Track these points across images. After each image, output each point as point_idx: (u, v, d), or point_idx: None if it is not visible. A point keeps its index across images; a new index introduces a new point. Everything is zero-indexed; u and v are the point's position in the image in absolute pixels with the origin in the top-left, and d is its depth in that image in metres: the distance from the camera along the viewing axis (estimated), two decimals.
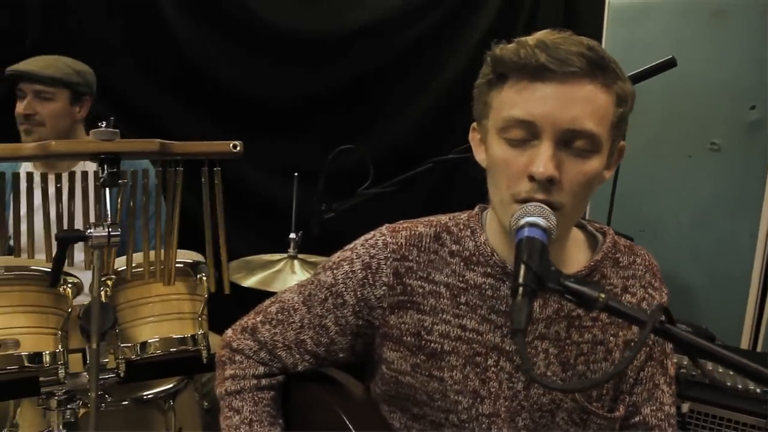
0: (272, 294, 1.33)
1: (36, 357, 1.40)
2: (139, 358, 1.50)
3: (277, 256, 2.04)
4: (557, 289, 0.92)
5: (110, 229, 1.24)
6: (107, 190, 1.26)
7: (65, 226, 1.35)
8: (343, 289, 1.19)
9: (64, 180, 1.34)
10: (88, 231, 1.23)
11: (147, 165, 2.02)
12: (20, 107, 2.19)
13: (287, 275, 1.95)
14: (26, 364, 1.39)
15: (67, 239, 1.23)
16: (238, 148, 1.38)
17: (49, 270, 1.45)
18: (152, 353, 1.51)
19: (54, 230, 1.33)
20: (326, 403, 1.25)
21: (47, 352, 1.40)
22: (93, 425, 1.35)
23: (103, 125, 1.28)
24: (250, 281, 1.90)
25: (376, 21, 3.10)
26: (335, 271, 1.20)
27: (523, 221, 0.98)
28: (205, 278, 1.54)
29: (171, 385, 1.77)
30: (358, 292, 1.17)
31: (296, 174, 1.99)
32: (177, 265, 1.48)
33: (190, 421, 1.88)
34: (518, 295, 0.89)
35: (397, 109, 3.15)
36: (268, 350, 1.29)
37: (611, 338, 1.18)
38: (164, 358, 1.52)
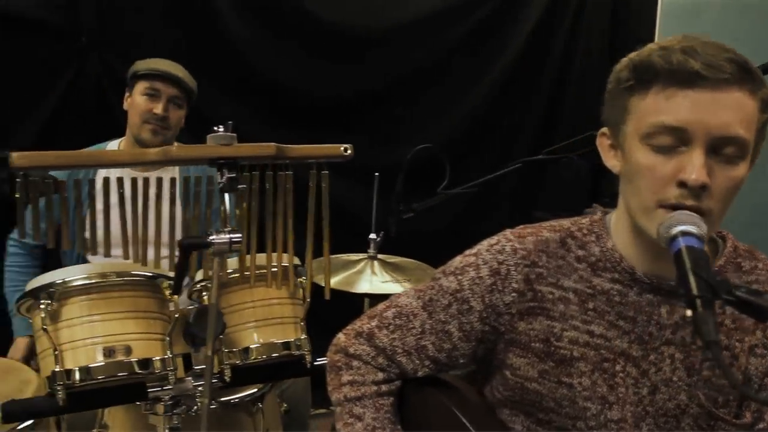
0: (351, 295, 1.32)
1: (146, 363, 1.39)
2: (243, 362, 1.49)
3: (355, 257, 2.03)
4: (730, 300, 0.91)
5: (231, 236, 1.23)
6: (226, 195, 1.25)
7: (176, 231, 1.35)
8: (470, 294, 1.18)
9: (156, 183, 1.33)
10: (211, 237, 1.22)
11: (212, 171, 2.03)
12: (158, 108, 2.19)
13: (367, 276, 1.95)
14: (137, 370, 1.38)
15: (191, 246, 1.22)
16: (349, 152, 1.37)
17: (153, 275, 1.45)
18: (255, 358, 1.51)
19: (130, 231, 1.31)
20: (443, 406, 1.24)
21: (157, 358, 1.40)
22: (204, 428, 1.35)
23: (221, 129, 1.27)
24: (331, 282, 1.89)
25: (427, 16, 3.11)
26: (460, 277, 1.19)
27: (677, 230, 0.97)
28: (304, 282, 1.54)
29: (257, 389, 1.76)
30: (486, 298, 1.17)
31: (377, 174, 1.98)
32: (275, 269, 1.47)
33: (273, 423, 1.87)
34: (698, 307, 0.88)
35: (446, 106, 3.15)
36: (386, 356, 1.28)
37: (737, 343, 1.17)
38: (268, 363, 1.52)
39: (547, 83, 3.28)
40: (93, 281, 1.39)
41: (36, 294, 1.37)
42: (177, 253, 1.24)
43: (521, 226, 1.21)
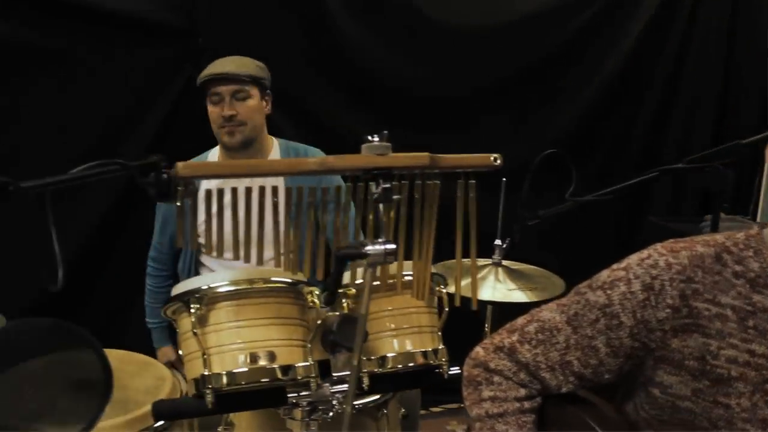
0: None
1: (288, 369, 1.39)
2: (380, 370, 1.48)
3: (480, 262, 1.99)
4: None
5: (386, 246, 1.22)
6: (380, 205, 1.23)
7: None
8: (620, 310, 1.14)
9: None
10: (366, 248, 1.21)
11: (339, 181, 2.01)
12: (221, 110, 2.20)
13: (491, 282, 1.91)
14: (279, 376, 1.38)
15: (346, 256, 1.21)
16: (498, 161, 1.33)
17: (294, 281, 1.45)
18: (392, 367, 1.49)
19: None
20: (585, 424, 1.22)
21: (299, 364, 1.40)
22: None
23: (376, 139, 1.25)
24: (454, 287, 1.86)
25: (537, 14, 3.08)
26: (609, 291, 1.15)
27: None
28: (443, 291, 1.51)
29: (382, 395, 1.76)
30: (638, 314, 1.13)
31: (504, 179, 1.94)
32: (409, 277, 1.45)
33: (394, 427, 1.87)
34: None
35: (558, 105, 3.10)
36: (529, 371, 1.25)
37: None
38: (404, 372, 1.50)
39: (660, 82, 3.18)
40: (240, 287, 1.39)
41: (185, 298, 1.39)
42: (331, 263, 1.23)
43: (671, 240, 1.17)
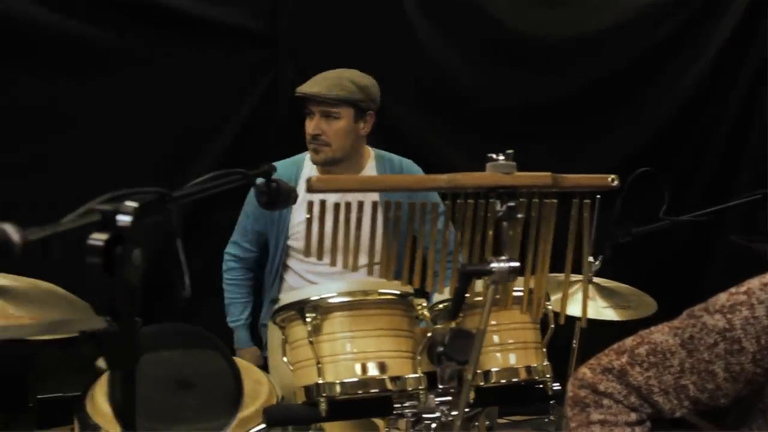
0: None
1: (398, 380, 1.41)
2: (485, 384, 1.50)
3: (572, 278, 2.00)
4: None
5: (510, 264, 1.23)
6: (504, 223, 1.25)
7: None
8: (742, 335, 1.13)
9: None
10: (491, 265, 1.23)
11: (436, 198, 2.03)
12: (309, 127, 2.24)
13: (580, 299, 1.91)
14: (389, 387, 1.40)
15: (471, 273, 1.23)
16: (615, 182, 1.34)
17: (403, 293, 1.47)
18: (496, 381, 1.51)
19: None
20: None
21: (408, 376, 1.42)
22: None
23: (501, 158, 1.26)
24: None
25: (614, 27, 3.06)
26: (729, 316, 1.14)
27: None
28: (549, 307, 1.52)
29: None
30: (762, 340, 1.11)
31: (598, 196, 1.94)
32: (518, 293, 1.46)
33: None
34: None
35: (633, 118, 3.09)
36: (640, 395, 1.24)
37: None
38: (510, 386, 1.51)
39: (737, 100, 3.15)
40: (355, 298, 1.42)
41: (299, 307, 1.41)
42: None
43: None
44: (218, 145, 2.97)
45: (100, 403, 1.64)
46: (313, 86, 2.23)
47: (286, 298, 1.47)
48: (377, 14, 2.89)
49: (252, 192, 2.45)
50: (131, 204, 0.84)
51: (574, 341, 2.01)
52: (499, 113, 3.00)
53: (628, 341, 1.30)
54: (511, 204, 1.25)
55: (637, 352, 1.25)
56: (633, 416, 1.25)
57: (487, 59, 3.00)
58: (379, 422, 1.74)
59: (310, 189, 1.18)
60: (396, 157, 2.42)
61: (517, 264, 1.24)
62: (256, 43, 2.89)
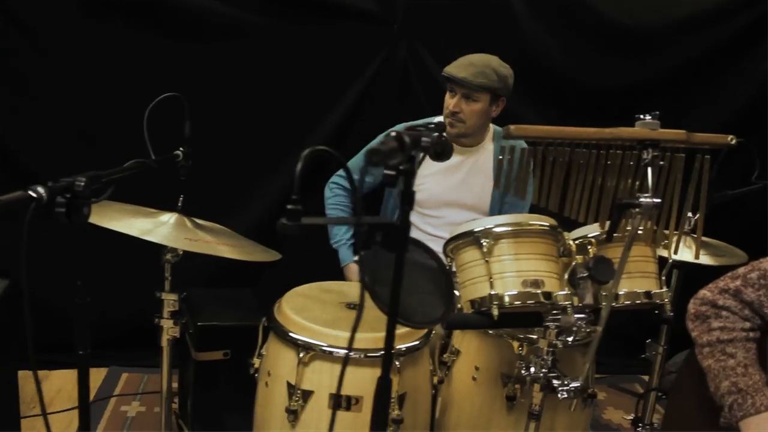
0: None
1: (550, 295, 1.77)
2: (615, 305, 1.84)
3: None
4: None
5: (654, 200, 1.59)
6: (649, 168, 1.60)
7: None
8: None
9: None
10: (641, 200, 1.59)
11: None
12: (450, 104, 2.60)
13: (681, 248, 2.25)
14: (542, 300, 1.76)
15: (625, 206, 1.59)
16: (734, 142, 1.69)
17: (554, 226, 1.83)
18: (622, 303, 1.86)
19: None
20: None
21: (559, 292, 1.77)
22: (592, 354, 1.73)
23: (647, 117, 1.62)
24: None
25: (698, 13, 3.31)
26: None
27: None
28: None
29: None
30: None
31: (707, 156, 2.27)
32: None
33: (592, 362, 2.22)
34: None
35: (712, 102, 3.36)
36: (753, 309, 1.61)
37: None
38: (634, 308, 1.87)
39: None
40: (519, 228, 1.78)
41: (474, 235, 1.78)
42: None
43: None
44: (330, 120, 3.30)
45: (287, 311, 2.02)
46: (460, 71, 2.56)
47: (459, 229, 1.84)
48: (486, 3, 3.20)
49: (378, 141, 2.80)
50: None
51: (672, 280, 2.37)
52: (591, 94, 3.30)
53: (741, 269, 1.68)
54: (656, 153, 1.60)
55: (749, 277, 1.63)
56: (747, 324, 1.62)
57: (581, 44, 3.29)
58: (514, 344, 2.08)
59: (509, 135, 1.54)
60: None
61: (659, 200, 1.60)
62: (371, 22, 3.18)
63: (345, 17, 3.19)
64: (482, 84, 2.53)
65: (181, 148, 2.14)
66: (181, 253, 2.10)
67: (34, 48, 3.02)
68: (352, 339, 1.38)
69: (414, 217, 2.76)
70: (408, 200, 1.26)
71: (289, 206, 1.19)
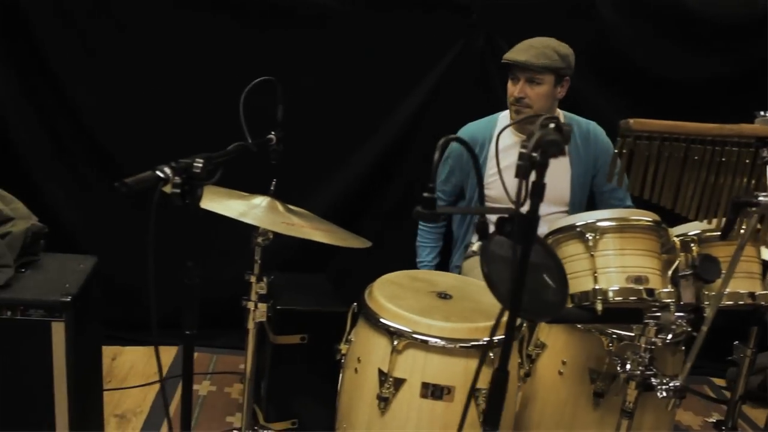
0: None
1: (652, 292, 1.74)
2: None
3: None
4: None
5: None
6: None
7: None
8: None
9: None
10: (759, 198, 1.55)
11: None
12: (514, 90, 2.57)
13: None
14: (644, 297, 1.73)
15: (743, 204, 1.55)
16: None
17: (657, 222, 1.80)
18: (724, 303, 1.82)
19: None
20: None
21: (662, 290, 1.75)
22: (695, 353, 1.70)
23: (767, 114, 1.58)
24: None
25: None
26: None
27: None
28: None
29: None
30: None
31: None
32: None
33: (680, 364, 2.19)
34: None
35: None
36: None
37: None
38: (733, 309, 1.83)
39: None
40: (624, 223, 1.76)
41: (577, 229, 1.76)
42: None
43: None
44: (404, 110, 3.29)
45: (379, 298, 2.02)
46: (520, 54, 2.54)
47: (559, 223, 1.82)
48: None
49: (454, 144, 2.82)
50: None
51: None
52: (668, 86, 3.24)
53: None
54: None
55: None
56: None
57: (660, 34, 3.23)
58: (603, 339, 2.06)
59: (628, 129, 1.51)
60: (582, 120, 2.75)
61: None
62: (450, 10, 3.16)
63: (425, 5, 3.18)
64: (545, 65, 2.50)
65: (273, 132, 2.14)
66: (271, 236, 2.11)
67: (124, 40, 3.10)
68: (495, 327, 1.37)
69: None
70: (539, 192, 1.24)
71: (425, 194, 1.19)
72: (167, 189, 1.42)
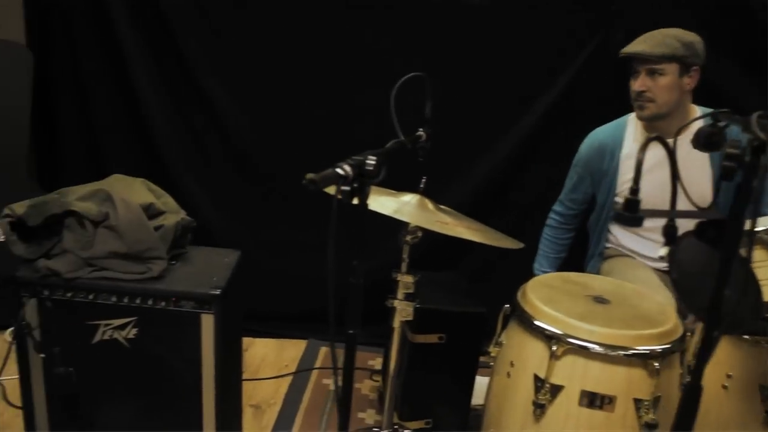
0: None
1: None
2: None
3: None
4: None
5: None
6: None
7: None
8: None
9: None
10: None
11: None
12: (635, 84, 2.43)
13: None
14: None
15: None
16: None
17: None
18: None
19: None
20: None
21: None
22: None
23: None
24: None
25: None
26: None
27: None
28: None
29: None
30: None
31: None
32: None
33: None
34: None
35: None
36: None
37: None
38: None
39: None
40: None
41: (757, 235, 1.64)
42: None
43: None
44: (542, 102, 3.20)
45: (534, 301, 1.96)
46: (637, 45, 2.42)
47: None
48: None
49: (582, 150, 2.71)
50: None
51: None
52: None
53: None
54: None
55: None
56: None
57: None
58: None
59: None
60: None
61: None
62: (587, 3, 3.04)
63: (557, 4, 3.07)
64: (664, 54, 2.36)
65: (421, 129, 2.10)
66: (420, 234, 2.08)
67: (264, 36, 3.14)
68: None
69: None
70: (748, 195, 1.15)
71: (629, 197, 1.12)
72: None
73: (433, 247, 2.91)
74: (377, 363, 3.16)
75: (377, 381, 3.01)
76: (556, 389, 1.83)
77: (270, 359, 3.21)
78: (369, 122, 3.03)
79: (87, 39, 3.23)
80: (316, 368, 3.17)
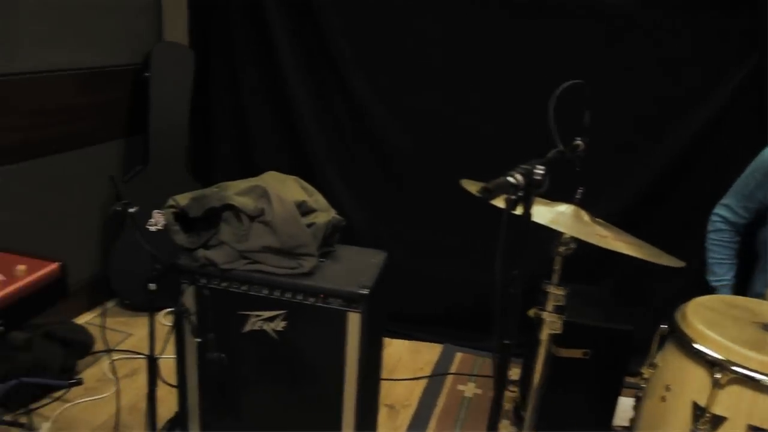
0: None
1: None
2: None
3: None
4: None
5: None
6: None
7: None
8: None
9: None
10: None
11: None
12: None
13: None
14: None
15: None
16: None
17: None
18: None
19: None
20: None
21: None
22: None
23: None
24: None
25: None
26: None
27: None
28: None
29: None
30: None
31: None
32: None
33: None
34: None
35: None
36: None
37: None
38: None
39: None
40: None
41: None
42: None
43: None
44: (700, 113, 3.02)
45: (696, 324, 1.85)
46: None
47: None
48: None
49: (761, 158, 2.53)
50: None
51: None
52: None
53: None
54: None
55: None
56: None
57: None
58: None
59: None
60: None
61: None
62: (746, 10, 2.85)
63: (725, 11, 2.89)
64: None
65: (578, 138, 2.04)
66: (573, 246, 2.01)
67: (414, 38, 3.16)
68: None
69: None
70: None
71: None
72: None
73: (574, 259, 2.82)
74: (513, 373, 3.10)
75: (514, 392, 2.95)
76: (718, 420, 1.73)
77: (405, 360, 3.23)
78: (517, 130, 3.00)
79: (244, 40, 3.37)
80: (452, 373, 3.15)
